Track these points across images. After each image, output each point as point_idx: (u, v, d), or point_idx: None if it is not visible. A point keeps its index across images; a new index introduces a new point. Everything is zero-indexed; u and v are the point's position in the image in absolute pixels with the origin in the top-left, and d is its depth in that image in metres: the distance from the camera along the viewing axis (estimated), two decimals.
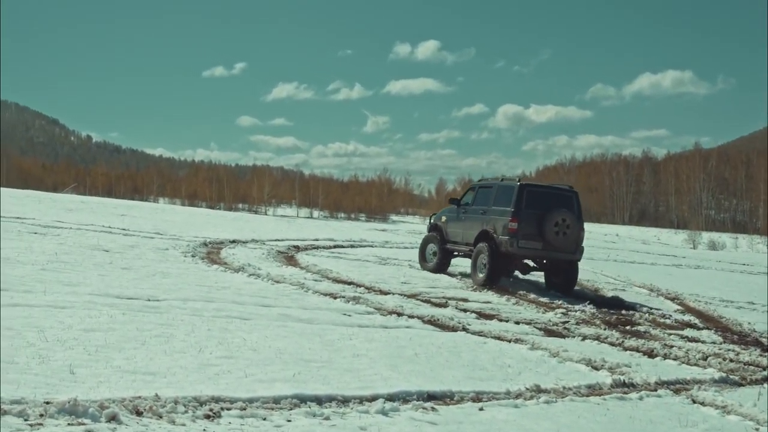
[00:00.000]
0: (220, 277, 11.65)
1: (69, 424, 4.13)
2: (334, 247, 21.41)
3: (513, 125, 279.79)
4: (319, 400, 5.18)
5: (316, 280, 12.34)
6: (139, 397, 4.72)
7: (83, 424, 4.15)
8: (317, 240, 23.56)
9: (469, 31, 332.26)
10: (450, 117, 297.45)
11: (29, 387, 4.70)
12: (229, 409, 4.75)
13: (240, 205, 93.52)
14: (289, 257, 16.45)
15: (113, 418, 4.26)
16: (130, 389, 4.92)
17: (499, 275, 14.48)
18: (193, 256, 14.42)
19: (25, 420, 4.09)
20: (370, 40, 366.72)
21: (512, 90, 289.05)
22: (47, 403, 4.37)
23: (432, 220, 17.58)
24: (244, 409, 4.79)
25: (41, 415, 4.18)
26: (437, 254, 16.31)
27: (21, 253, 11.68)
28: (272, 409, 4.89)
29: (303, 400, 5.13)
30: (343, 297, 10.56)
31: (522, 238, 14.10)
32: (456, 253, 16.31)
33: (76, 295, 8.45)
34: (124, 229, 19.26)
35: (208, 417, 4.56)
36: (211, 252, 15.80)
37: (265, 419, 4.65)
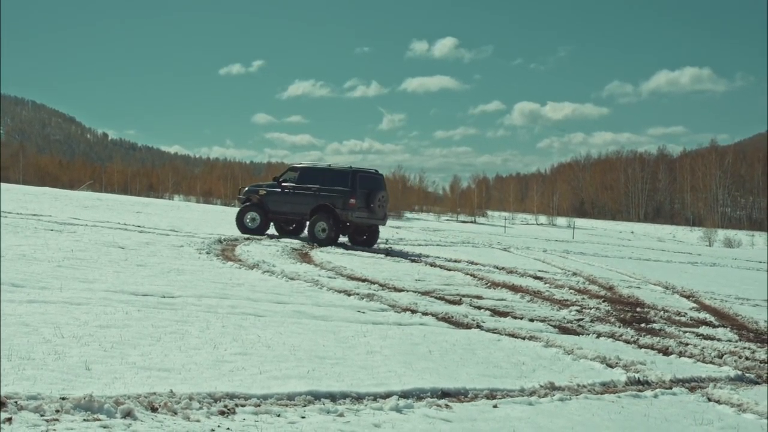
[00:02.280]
0: (234, 274, 11.68)
1: (85, 419, 4.15)
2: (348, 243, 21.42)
3: (529, 122, 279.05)
4: (333, 397, 5.20)
5: (330, 277, 12.35)
6: (154, 393, 4.74)
7: (99, 419, 4.18)
8: None
9: (487, 28, 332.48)
10: (466, 114, 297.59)
11: (46, 383, 4.73)
12: (243, 405, 4.77)
13: None
14: (303, 254, 16.47)
15: (128, 414, 4.29)
16: (145, 385, 4.95)
17: (337, 237, 20.30)
18: (207, 253, 14.45)
19: (42, 416, 4.12)
20: (388, 37, 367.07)
21: (529, 87, 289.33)
22: (63, 398, 4.40)
23: (244, 195, 21.82)
24: (259, 405, 4.80)
25: (57, 411, 4.21)
26: (257, 221, 20.92)
27: (37, 250, 11.75)
28: (286, 405, 4.91)
29: (317, 396, 5.14)
30: (358, 294, 10.57)
31: (357, 210, 20.03)
32: (280, 220, 21.54)
33: (91, 291, 8.50)
34: (139, 227, 19.33)
35: (222, 413, 4.58)
36: (226, 249, 15.83)
37: (279, 416, 4.66)
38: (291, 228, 21.90)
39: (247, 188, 22.32)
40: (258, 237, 20.08)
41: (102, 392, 4.61)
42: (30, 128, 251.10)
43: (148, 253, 13.29)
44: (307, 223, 20.67)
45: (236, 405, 4.75)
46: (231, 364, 5.82)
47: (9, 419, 3.97)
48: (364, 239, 21.41)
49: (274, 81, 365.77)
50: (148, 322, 7.13)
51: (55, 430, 3.92)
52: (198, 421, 4.40)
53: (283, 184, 21.04)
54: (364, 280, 12.34)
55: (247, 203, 21.41)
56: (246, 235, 20.05)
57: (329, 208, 20.07)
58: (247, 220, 21.04)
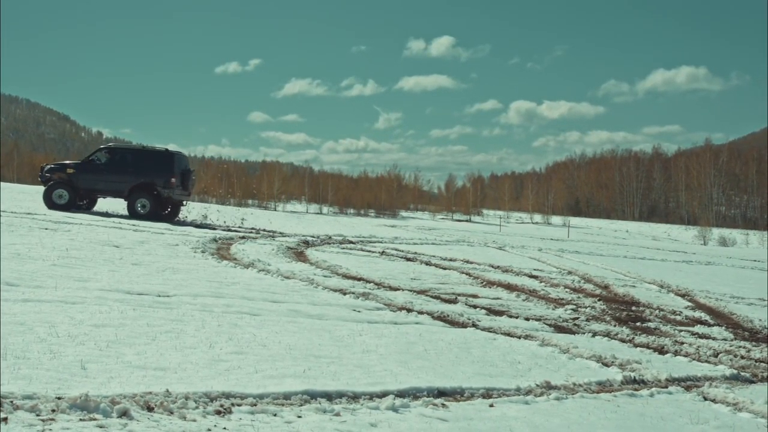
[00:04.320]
0: (229, 272, 11.66)
1: (81, 419, 4.14)
2: (344, 242, 21.41)
3: (525, 121, 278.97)
4: (330, 396, 5.19)
5: (325, 276, 12.35)
6: (150, 393, 4.73)
7: (95, 419, 4.17)
8: (327, 235, 23.57)
9: (484, 27, 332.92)
10: (462, 113, 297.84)
11: (41, 382, 4.72)
12: (239, 404, 4.76)
13: (250, 201, 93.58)
14: (298, 253, 16.47)
15: (124, 414, 4.28)
16: (141, 385, 4.94)
17: (158, 212, 22.74)
18: (202, 251, 14.43)
19: (38, 415, 4.11)
20: (385, 36, 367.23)
21: (525, 86, 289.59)
22: (59, 398, 4.39)
23: (47, 173, 22.83)
24: (255, 404, 4.79)
25: (53, 411, 4.20)
26: (66, 197, 22.34)
27: (32, 249, 11.72)
28: (283, 404, 4.90)
29: (313, 395, 5.14)
30: (353, 293, 10.56)
31: (176, 187, 22.65)
32: (95, 196, 23.65)
33: (86, 290, 8.48)
34: (133, 225, 19.30)
35: (218, 413, 4.57)
36: (221, 248, 15.82)
37: (275, 415, 4.66)
38: (83, 203, 23.65)
39: (49, 166, 23.38)
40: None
41: (98, 392, 4.60)
42: (24, 126, 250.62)
43: (143, 251, 13.27)
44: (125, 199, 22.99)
45: (232, 404, 4.74)
46: (227, 363, 5.81)
47: (5, 419, 3.95)
48: (168, 213, 24.04)
49: (270, 79, 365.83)
50: (143, 321, 7.12)
51: (51, 429, 3.91)
52: (194, 420, 4.39)
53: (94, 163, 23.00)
54: (359, 279, 12.34)
55: (53, 182, 22.59)
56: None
57: (150, 186, 22.57)
58: (56, 197, 22.43)
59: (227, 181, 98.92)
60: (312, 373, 5.80)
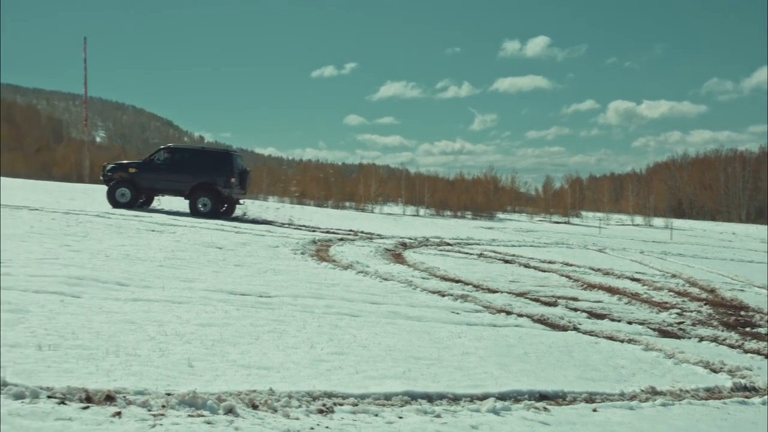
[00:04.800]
0: (329, 274, 11.79)
1: (189, 415, 4.26)
2: (441, 244, 21.37)
3: (624, 121, 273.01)
4: (430, 398, 5.20)
5: (423, 278, 12.35)
6: (255, 391, 4.83)
7: (202, 415, 4.28)
8: (424, 237, 23.59)
9: (581, 27, 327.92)
10: (559, 114, 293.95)
11: (151, 379, 4.87)
12: (341, 404, 4.81)
13: (347, 203, 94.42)
14: (396, 255, 16.52)
15: (230, 411, 4.38)
16: (245, 383, 5.05)
17: (218, 210, 23.41)
18: (302, 253, 14.64)
19: (149, 410, 4.25)
20: (480, 37, 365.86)
21: (624, 85, 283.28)
22: (168, 394, 4.53)
23: (109, 173, 23.51)
24: (356, 404, 4.84)
25: (163, 406, 4.33)
26: (128, 196, 23.11)
27: (140, 250, 12.12)
28: (383, 405, 4.93)
29: (414, 397, 5.15)
30: (451, 295, 10.53)
31: (235, 187, 23.35)
32: (155, 195, 24.52)
33: (192, 290, 8.71)
34: (235, 227, 19.72)
35: (321, 412, 4.63)
36: (320, 249, 16.01)
37: (376, 415, 4.69)
38: (142, 201, 24.19)
39: (111, 166, 24.00)
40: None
41: (205, 389, 4.72)
42: (130, 132, 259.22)
43: (245, 253, 13.55)
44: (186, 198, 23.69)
45: (334, 404, 4.80)
46: (328, 364, 5.88)
47: (118, 413, 4.10)
48: (224, 211, 24.49)
49: (366, 82, 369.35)
50: (246, 321, 7.27)
51: (161, 424, 4.03)
52: (297, 419, 4.46)
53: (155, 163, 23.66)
54: (457, 281, 12.30)
55: (115, 181, 23.34)
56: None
57: (210, 186, 23.22)
58: (119, 195, 23.19)
59: (325, 183, 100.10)
60: (412, 374, 5.82)
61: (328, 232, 22.13)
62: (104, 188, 24.43)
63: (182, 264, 11.05)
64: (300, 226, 23.78)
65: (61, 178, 30.11)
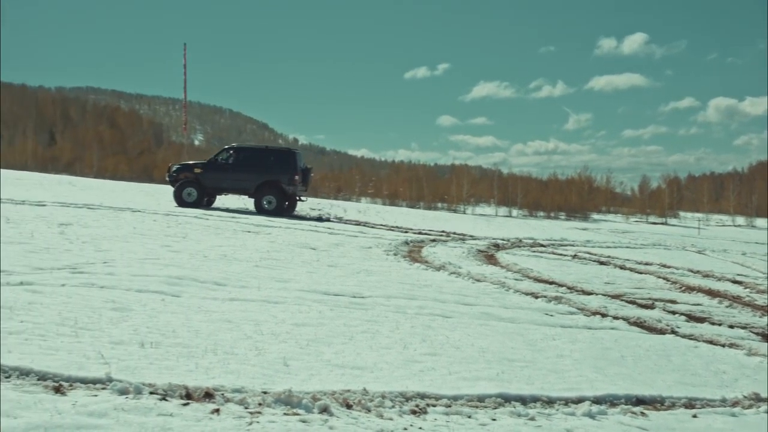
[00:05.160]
0: (421, 275, 11.81)
1: (285, 413, 4.34)
2: (534, 245, 21.15)
3: (725, 119, 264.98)
4: (524, 400, 5.15)
5: (516, 279, 12.25)
6: (349, 391, 4.88)
7: (297, 414, 4.35)
8: (517, 238, 23.38)
9: (680, 22, 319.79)
10: (656, 112, 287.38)
11: (248, 377, 4.98)
12: (434, 405, 4.82)
13: (439, 204, 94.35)
14: (489, 256, 16.43)
15: (325, 410, 4.44)
16: (339, 382, 5.10)
17: (283, 207, 24.00)
18: (395, 254, 14.71)
19: (246, 408, 4.35)
20: (574, 35, 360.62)
21: (725, 82, 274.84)
22: (264, 392, 4.62)
23: (174, 173, 24.34)
24: (449, 406, 4.84)
25: (260, 404, 4.43)
26: (194, 195, 23.81)
27: (236, 251, 12.39)
28: (477, 407, 4.91)
29: (507, 399, 5.12)
30: (545, 296, 10.42)
31: (299, 184, 24.06)
32: (220, 194, 25.17)
33: (287, 290, 8.86)
34: (329, 228, 19.95)
35: (414, 412, 4.65)
36: (413, 250, 16.05)
37: (470, 417, 4.68)
38: (204, 200, 24.60)
39: (177, 166, 24.74)
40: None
41: (300, 388, 4.80)
42: (228, 135, 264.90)
43: (339, 254, 13.69)
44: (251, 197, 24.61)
45: (427, 405, 4.81)
46: (421, 364, 5.90)
47: (217, 410, 4.21)
48: (286, 208, 24.68)
49: (458, 83, 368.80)
50: (340, 321, 7.35)
51: (258, 422, 4.12)
52: (391, 419, 4.48)
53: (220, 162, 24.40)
54: (551, 283, 12.15)
55: (181, 181, 24.02)
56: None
57: (275, 184, 23.89)
58: (186, 195, 23.86)
59: (417, 184, 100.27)
60: (505, 376, 5.78)
61: (420, 233, 22.17)
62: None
63: (277, 264, 11.24)
64: (392, 227, 23.88)
65: (161, 180, 31.18)
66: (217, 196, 26.09)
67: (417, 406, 4.76)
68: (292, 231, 17.79)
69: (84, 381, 4.54)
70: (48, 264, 9.08)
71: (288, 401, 4.49)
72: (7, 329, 5.63)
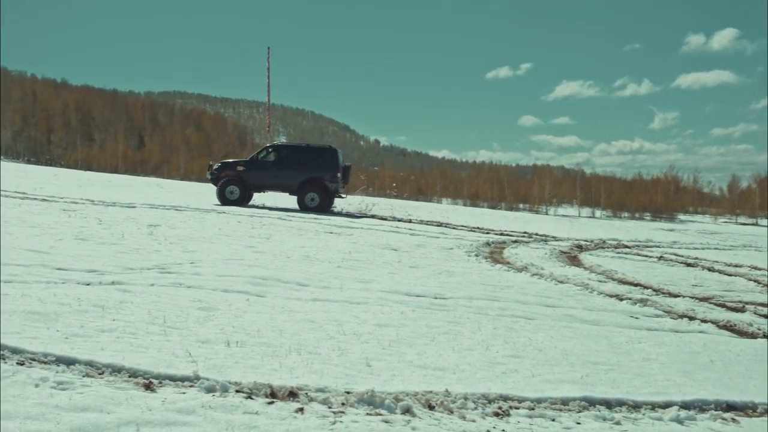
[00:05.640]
0: (503, 276, 11.73)
1: (367, 413, 4.36)
2: (619, 247, 20.77)
3: None
4: (609, 404, 5.07)
5: (600, 281, 12.05)
6: (431, 392, 4.88)
7: (380, 414, 4.37)
8: (600, 240, 23.00)
9: None
10: (747, 110, 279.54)
11: (331, 377, 5.03)
12: (517, 407, 4.78)
13: (521, 205, 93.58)
14: (571, 257, 16.21)
15: (408, 411, 4.45)
16: (421, 383, 5.11)
17: (326, 204, 24.59)
18: (476, 255, 14.64)
19: (329, 407, 4.39)
20: (660, 32, 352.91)
21: None
22: (348, 392, 4.66)
23: (216, 171, 24.69)
24: (533, 408, 4.79)
25: (343, 404, 4.46)
26: (237, 193, 24.22)
27: (319, 252, 12.53)
28: (560, 410, 4.85)
29: (592, 402, 5.04)
30: (630, 299, 10.23)
31: (340, 182, 24.51)
32: (262, 191, 25.20)
33: (368, 291, 8.91)
34: (410, 229, 19.99)
35: (497, 415, 4.62)
36: (494, 252, 15.95)
37: (553, 420, 4.62)
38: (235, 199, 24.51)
39: (218, 165, 25.10)
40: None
41: (382, 388, 4.82)
42: (310, 137, 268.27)
43: (420, 255, 13.71)
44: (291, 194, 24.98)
45: (510, 407, 4.77)
46: (503, 366, 5.86)
47: (301, 409, 4.27)
48: (328, 205, 25.25)
49: (541, 82, 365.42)
50: (422, 322, 7.36)
51: (341, 422, 4.16)
52: (473, 421, 4.47)
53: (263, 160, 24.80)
54: (636, 285, 11.91)
55: (224, 179, 24.35)
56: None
57: (318, 181, 24.42)
58: (228, 193, 24.22)
59: (498, 185, 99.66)
60: (590, 379, 5.69)
61: (501, 234, 22.02)
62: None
63: (359, 265, 11.32)
64: (473, 228, 23.78)
65: None
66: (255, 194, 26.21)
67: (500, 408, 4.73)
68: (374, 232, 17.89)
69: (173, 378, 4.66)
70: (138, 264, 9.35)
71: (371, 401, 4.51)
72: (100, 327, 5.82)
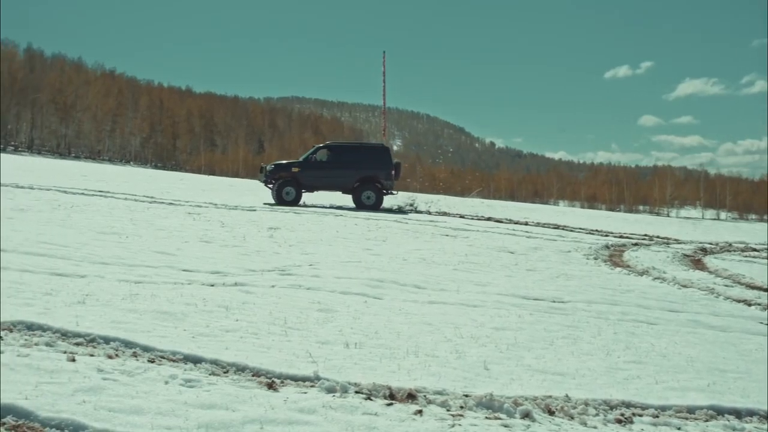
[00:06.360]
0: (623, 280, 11.46)
1: (486, 417, 4.34)
2: (746, 250, 19.95)
3: None
4: (738, 414, 4.87)
5: (726, 286, 11.60)
6: (550, 397, 4.82)
7: (499, 418, 4.34)
8: (726, 243, 22.16)
9: None
10: None
11: (449, 379, 5.03)
12: (640, 415, 4.66)
13: (640, 207, 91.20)
14: (695, 261, 15.67)
15: (527, 415, 4.40)
16: (540, 388, 5.04)
17: (381, 201, 24.75)
18: (595, 258, 14.35)
19: (448, 410, 4.39)
20: None
21: None
22: (466, 395, 4.64)
23: (270, 173, 24.64)
24: (657, 416, 4.66)
25: (461, 407, 4.45)
26: (293, 194, 24.19)
27: (435, 254, 12.54)
28: (686, 418, 4.70)
29: (720, 412, 4.86)
30: (759, 304, 9.81)
31: (394, 179, 24.75)
32: (315, 191, 25.05)
33: (485, 294, 8.86)
34: (526, 232, 19.77)
35: (619, 421, 4.51)
36: (613, 255, 15.59)
37: (679, 429, 4.49)
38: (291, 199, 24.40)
39: (272, 166, 25.07)
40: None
41: (500, 392, 4.78)
42: (425, 140, 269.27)
43: (537, 258, 13.54)
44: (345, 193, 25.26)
45: (633, 414, 4.66)
46: (625, 372, 5.72)
47: (419, 411, 4.28)
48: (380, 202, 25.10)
49: (662, 81, 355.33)
50: (540, 325, 7.27)
51: (460, 425, 4.15)
52: (595, 427, 4.38)
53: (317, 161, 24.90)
54: (766, 290, 11.41)
55: (280, 180, 24.30)
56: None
57: (373, 180, 24.67)
58: (284, 194, 24.16)
59: (617, 187, 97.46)
60: (717, 387, 5.49)
61: (621, 237, 21.50)
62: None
63: (476, 268, 11.27)
64: (592, 230, 23.31)
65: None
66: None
67: (622, 415, 4.62)
68: (490, 234, 17.78)
69: (294, 378, 4.75)
70: (259, 266, 9.59)
71: (489, 405, 4.49)
72: (224, 327, 6.01)
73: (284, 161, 26.13)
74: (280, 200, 24.29)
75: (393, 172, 24.77)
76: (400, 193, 27.45)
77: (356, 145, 26.38)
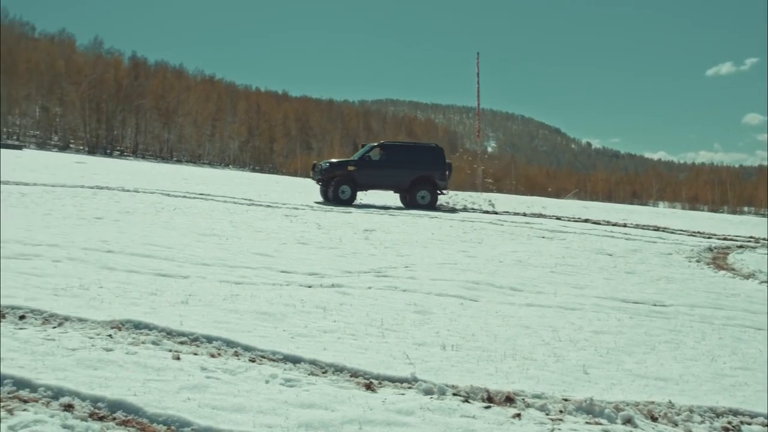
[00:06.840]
0: (728, 283, 11.09)
1: (586, 422, 4.27)
2: None
3: None
4: None
5: None
6: (653, 402, 4.70)
7: (600, 423, 4.26)
8: None
9: None
10: None
11: (547, 383, 4.97)
12: (749, 423, 4.50)
13: (745, 208, 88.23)
14: None
15: (628, 421, 4.31)
16: (642, 393, 4.93)
17: (436, 201, 24.94)
18: (697, 261, 13.95)
19: (547, 414, 4.33)
20: None
21: None
22: (565, 400, 4.58)
23: (325, 171, 24.27)
24: (767, 425, 4.50)
25: (560, 411, 4.39)
26: (348, 193, 23.97)
27: (531, 256, 12.41)
28: None
29: None
30: None
31: (447, 179, 24.92)
32: (369, 190, 25.00)
33: (583, 297, 8.72)
34: (625, 234, 19.34)
35: (726, 430, 4.37)
36: (717, 257, 15.12)
37: None
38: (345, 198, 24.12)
39: (326, 165, 24.67)
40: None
41: (601, 397, 4.69)
42: (520, 141, 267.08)
43: (636, 260, 13.24)
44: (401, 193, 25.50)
45: (741, 422, 4.50)
46: (732, 379, 5.54)
47: (518, 415, 4.24)
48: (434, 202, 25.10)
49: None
50: (640, 329, 7.11)
51: (559, 429, 4.09)
52: None
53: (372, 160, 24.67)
54: None
55: (336, 179, 24.03)
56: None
57: (428, 179, 24.72)
58: (340, 193, 23.89)
59: (720, 187, 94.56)
60: None
61: (724, 239, 20.83)
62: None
63: (573, 270, 11.10)
64: (693, 232, 22.65)
65: (455, 186, 31.99)
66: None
67: (729, 423, 4.48)
68: (587, 236, 17.47)
69: (391, 379, 4.77)
70: (355, 268, 9.68)
71: (589, 410, 4.41)
72: (322, 328, 6.09)
73: (338, 160, 26.12)
74: (336, 199, 24.13)
75: (447, 172, 24.92)
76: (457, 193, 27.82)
77: (411, 144, 26.58)
